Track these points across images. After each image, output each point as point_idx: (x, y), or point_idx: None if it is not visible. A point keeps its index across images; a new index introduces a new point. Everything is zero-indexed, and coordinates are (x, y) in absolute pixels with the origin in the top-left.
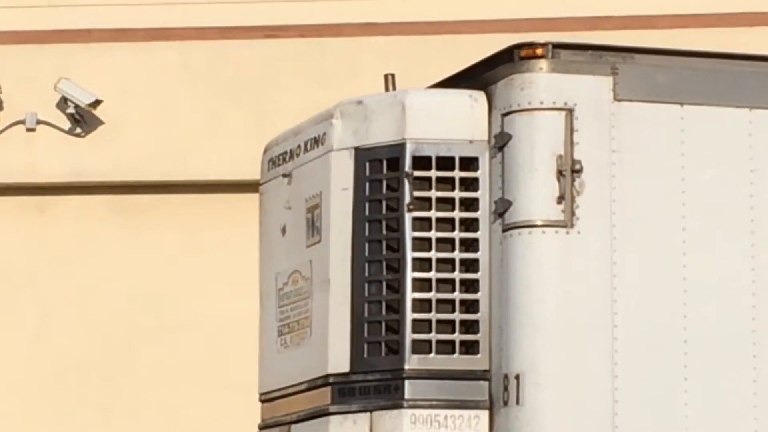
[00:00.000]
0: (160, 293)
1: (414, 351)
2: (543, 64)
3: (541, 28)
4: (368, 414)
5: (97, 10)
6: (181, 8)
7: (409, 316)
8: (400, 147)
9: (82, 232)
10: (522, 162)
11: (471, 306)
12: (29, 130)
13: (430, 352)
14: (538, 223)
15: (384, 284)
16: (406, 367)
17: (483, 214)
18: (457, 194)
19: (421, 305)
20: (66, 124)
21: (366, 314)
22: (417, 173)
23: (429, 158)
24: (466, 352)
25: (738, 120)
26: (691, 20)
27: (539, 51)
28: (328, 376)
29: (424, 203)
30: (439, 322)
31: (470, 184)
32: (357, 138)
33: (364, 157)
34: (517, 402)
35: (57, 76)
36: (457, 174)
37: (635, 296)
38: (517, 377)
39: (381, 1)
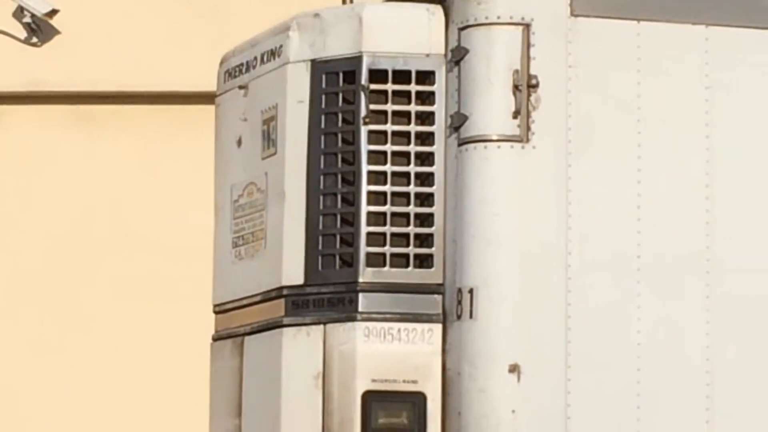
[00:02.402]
0: (117, 204)
1: (368, 264)
2: None
3: None
4: (322, 326)
5: None
6: None
7: (364, 229)
8: (357, 60)
9: (38, 142)
10: (478, 76)
11: (426, 220)
12: None
13: (384, 265)
14: (494, 137)
15: (339, 197)
16: (360, 279)
17: (439, 128)
18: (413, 108)
19: (376, 218)
20: (22, 33)
21: (321, 227)
22: (373, 86)
23: (385, 71)
24: (420, 266)
25: (694, 36)
26: None
27: None
28: (282, 288)
29: (380, 116)
30: (393, 235)
31: (426, 97)
32: (313, 51)
33: (321, 69)
34: (471, 316)
35: None
36: (413, 87)
37: (589, 211)
38: (471, 291)
39: None
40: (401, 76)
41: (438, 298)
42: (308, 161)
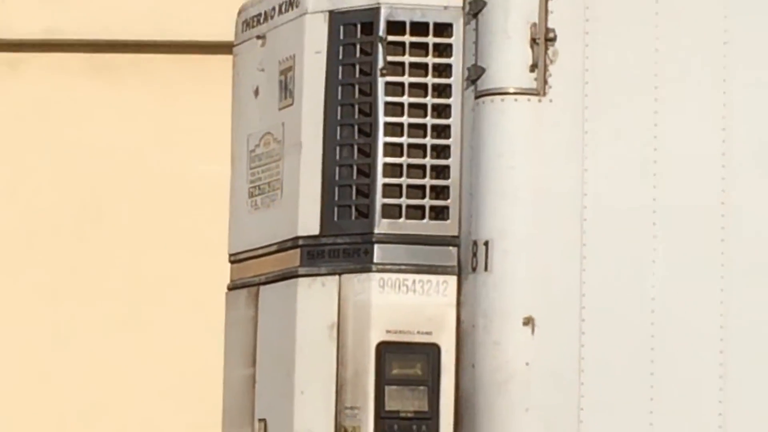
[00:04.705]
0: (133, 153)
1: (384, 215)
2: None
3: None
4: (337, 277)
5: None
6: None
7: (380, 180)
8: (375, 11)
9: (55, 91)
10: (496, 29)
11: (441, 172)
12: None
13: (400, 216)
14: (511, 90)
15: (355, 148)
16: (376, 230)
17: (456, 80)
18: (431, 60)
19: (392, 170)
20: None
21: (337, 177)
22: (391, 38)
23: (403, 23)
24: (436, 218)
25: None
26: None
27: None
28: (297, 238)
29: (397, 68)
30: (409, 186)
31: (444, 50)
32: (332, 1)
33: (339, 20)
34: (486, 268)
35: None
36: (430, 39)
37: (605, 165)
38: (486, 244)
39: None
40: (419, 28)
41: (453, 250)
42: (325, 112)
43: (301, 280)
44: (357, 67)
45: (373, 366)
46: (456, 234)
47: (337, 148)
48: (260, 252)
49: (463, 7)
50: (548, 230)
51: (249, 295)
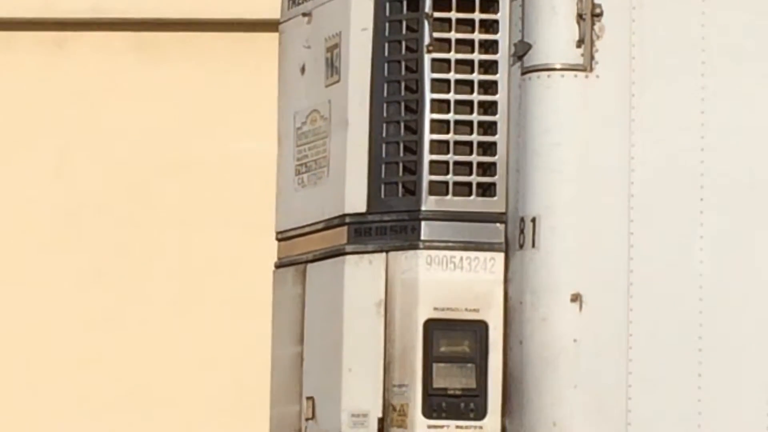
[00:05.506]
0: (181, 132)
1: (431, 192)
2: None
3: None
4: (384, 254)
5: None
6: None
7: (427, 157)
8: None
9: (101, 69)
10: (542, 5)
11: (488, 148)
12: None
13: (446, 193)
14: (557, 66)
15: (402, 125)
16: (423, 208)
17: (502, 56)
18: (477, 36)
19: (439, 147)
20: None
21: (384, 155)
22: (437, 14)
23: None
24: (483, 195)
25: None
26: None
27: None
28: (344, 215)
29: (444, 44)
30: (456, 163)
31: (490, 26)
32: None
33: None
34: (533, 245)
35: None
36: (477, 16)
37: (652, 140)
38: (533, 220)
39: None
40: (465, 4)
41: (500, 227)
42: (371, 89)
43: (348, 257)
44: (403, 44)
45: (421, 343)
46: (503, 211)
47: (384, 125)
48: (307, 230)
49: None
50: (595, 206)
51: (296, 272)
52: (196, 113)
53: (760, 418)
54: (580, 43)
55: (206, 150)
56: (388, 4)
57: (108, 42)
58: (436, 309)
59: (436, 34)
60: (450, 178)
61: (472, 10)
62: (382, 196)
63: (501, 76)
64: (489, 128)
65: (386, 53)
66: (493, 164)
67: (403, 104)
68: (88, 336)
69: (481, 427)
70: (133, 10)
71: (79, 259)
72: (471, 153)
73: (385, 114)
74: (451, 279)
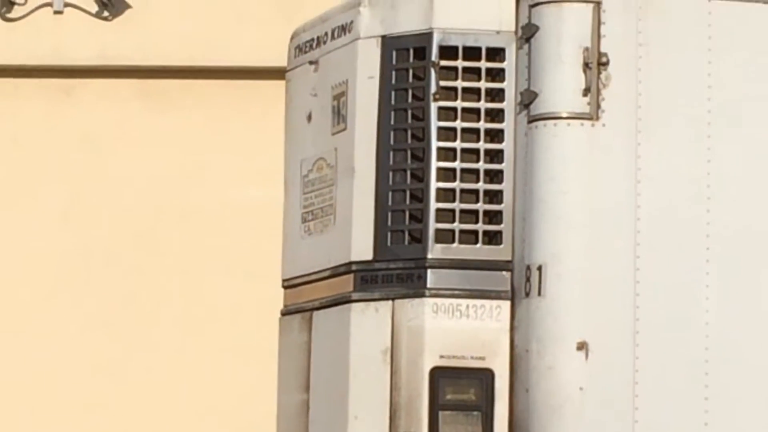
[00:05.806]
0: (187, 179)
1: (437, 240)
2: None
3: None
4: (390, 302)
5: None
6: None
7: (433, 205)
8: (427, 36)
9: (108, 115)
10: (548, 54)
11: (495, 196)
12: (56, 12)
13: (453, 241)
14: (564, 114)
15: (408, 173)
16: (429, 256)
17: (508, 105)
18: (483, 84)
19: (445, 195)
20: (93, 7)
21: (390, 203)
22: (443, 63)
23: (456, 48)
24: (489, 243)
25: (765, 14)
26: None
27: None
28: (350, 263)
29: (450, 93)
30: (462, 211)
31: (496, 74)
32: (384, 26)
33: (391, 45)
34: (539, 293)
35: None
36: (483, 64)
37: (659, 189)
38: (540, 268)
39: None
40: (471, 53)
41: (506, 274)
42: (378, 137)
43: (354, 305)
44: (410, 92)
45: (427, 391)
46: (509, 259)
47: (390, 173)
48: (313, 277)
49: (516, 32)
50: (601, 255)
51: (302, 320)
52: (202, 160)
53: None
54: (586, 91)
55: (211, 197)
56: (394, 53)
57: (114, 89)
58: (442, 357)
59: (442, 83)
60: (456, 226)
61: (479, 59)
62: (389, 243)
63: (507, 125)
64: (495, 176)
65: (393, 101)
66: (500, 212)
67: (409, 152)
68: (94, 382)
69: None
70: (140, 58)
71: (87, 307)
72: (477, 201)
73: (391, 162)
74: (458, 327)
